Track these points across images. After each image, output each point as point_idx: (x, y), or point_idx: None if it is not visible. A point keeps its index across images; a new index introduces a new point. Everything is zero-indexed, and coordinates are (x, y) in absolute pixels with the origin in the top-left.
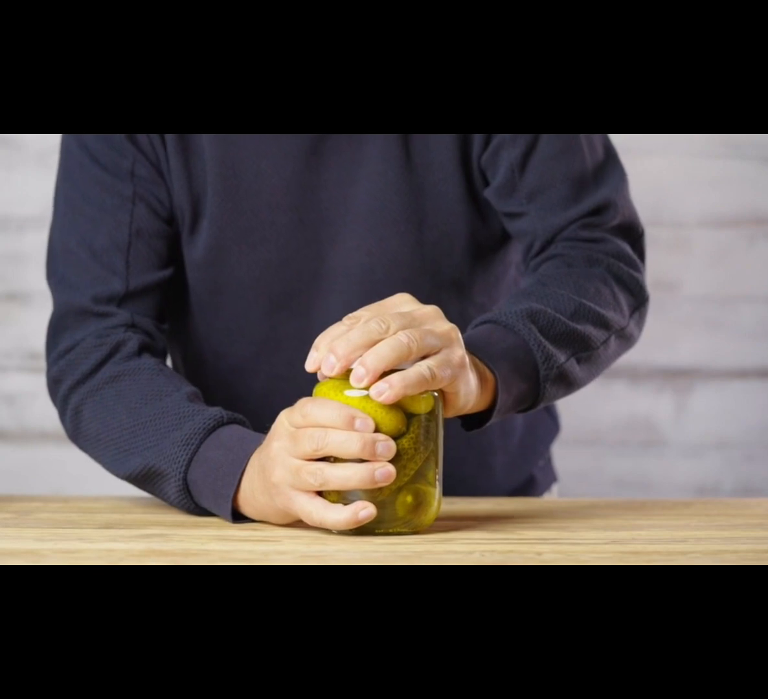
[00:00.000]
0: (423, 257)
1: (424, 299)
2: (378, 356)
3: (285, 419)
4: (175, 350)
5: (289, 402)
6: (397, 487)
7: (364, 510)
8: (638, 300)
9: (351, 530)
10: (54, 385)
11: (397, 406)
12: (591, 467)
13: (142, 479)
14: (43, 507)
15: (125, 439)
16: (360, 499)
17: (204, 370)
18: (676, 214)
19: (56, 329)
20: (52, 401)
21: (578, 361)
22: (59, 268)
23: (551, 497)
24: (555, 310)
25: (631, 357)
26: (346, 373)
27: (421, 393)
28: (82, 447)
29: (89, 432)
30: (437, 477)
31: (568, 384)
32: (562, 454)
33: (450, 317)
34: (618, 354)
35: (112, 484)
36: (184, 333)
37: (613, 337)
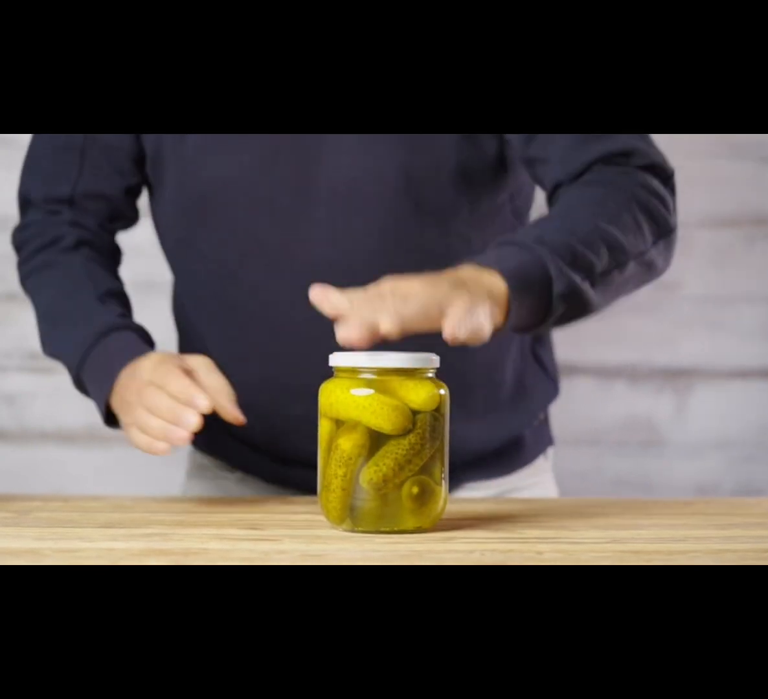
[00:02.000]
0: (408, 179)
1: (406, 223)
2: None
3: (152, 368)
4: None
5: (268, 308)
6: (401, 481)
7: (161, 443)
8: (663, 229)
9: (357, 529)
10: (16, 251)
11: (403, 404)
12: (591, 467)
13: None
14: (43, 506)
15: (45, 323)
16: (364, 492)
17: (197, 274)
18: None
19: (21, 204)
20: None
21: (592, 284)
22: (28, 161)
23: (547, 461)
24: (571, 232)
25: (631, 357)
26: (352, 372)
27: (428, 391)
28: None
29: (30, 300)
30: (443, 476)
31: (583, 304)
32: (562, 454)
33: (431, 243)
34: (639, 280)
35: (112, 484)
36: (185, 245)
37: (631, 262)
